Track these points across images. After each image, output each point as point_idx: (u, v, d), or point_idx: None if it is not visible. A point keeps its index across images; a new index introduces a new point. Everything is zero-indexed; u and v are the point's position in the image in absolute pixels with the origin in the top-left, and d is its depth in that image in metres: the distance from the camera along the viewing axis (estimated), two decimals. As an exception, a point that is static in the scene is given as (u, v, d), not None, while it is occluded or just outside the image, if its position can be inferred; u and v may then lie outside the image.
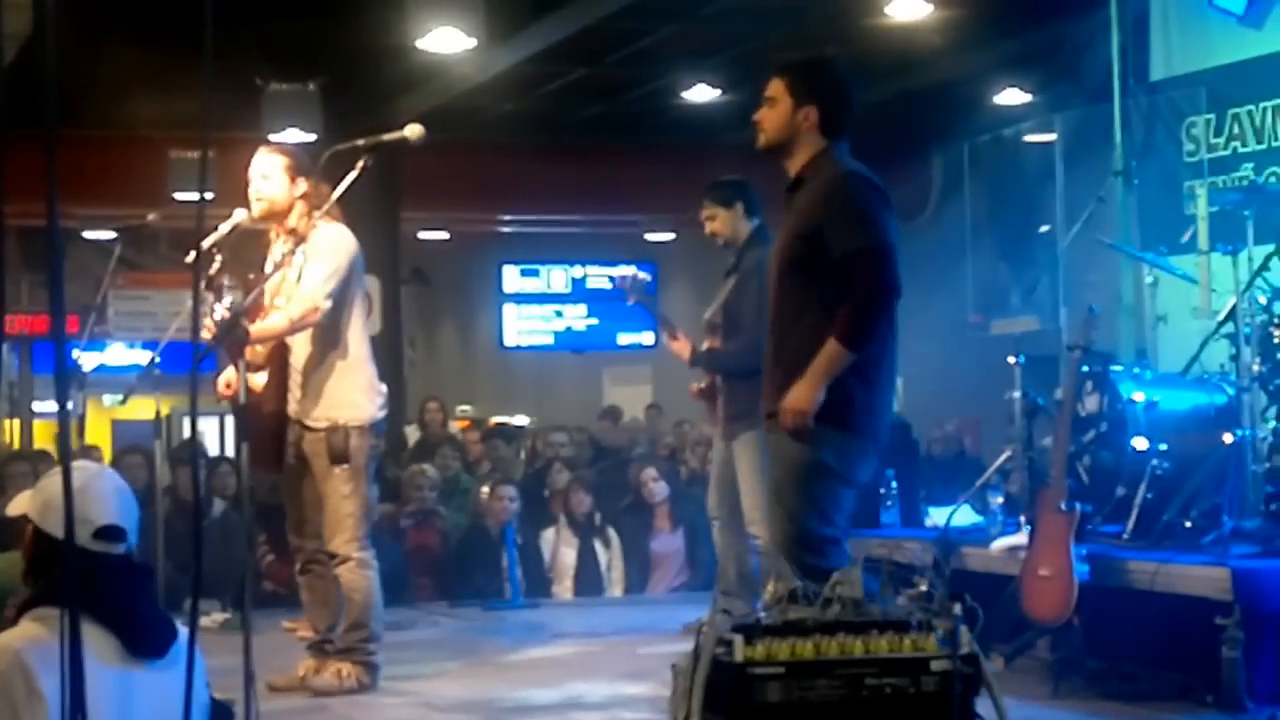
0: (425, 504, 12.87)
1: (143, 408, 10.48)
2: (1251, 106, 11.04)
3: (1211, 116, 11.33)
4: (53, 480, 4.46)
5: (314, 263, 8.01)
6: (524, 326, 22.00)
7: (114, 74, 12.95)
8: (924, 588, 5.32)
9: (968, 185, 17.70)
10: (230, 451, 14.76)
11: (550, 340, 22.05)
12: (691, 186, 9.73)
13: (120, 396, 10.66)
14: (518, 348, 22.39)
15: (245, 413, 7.27)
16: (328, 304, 7.98)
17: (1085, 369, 8.63)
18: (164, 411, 10.24)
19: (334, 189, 7.87)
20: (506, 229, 22.45)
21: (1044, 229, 14.73)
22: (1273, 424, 8.05)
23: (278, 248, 8.14)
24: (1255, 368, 8.06)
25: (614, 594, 13.06)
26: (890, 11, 13.96)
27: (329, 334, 8.11)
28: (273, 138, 13.49)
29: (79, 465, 4.62)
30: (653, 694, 7.57)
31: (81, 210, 16.35)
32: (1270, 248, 8.28)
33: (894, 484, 10.02)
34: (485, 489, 12.78)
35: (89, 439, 21.52)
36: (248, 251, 8.34)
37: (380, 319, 16.20)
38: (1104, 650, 7.92)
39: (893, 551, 9.24)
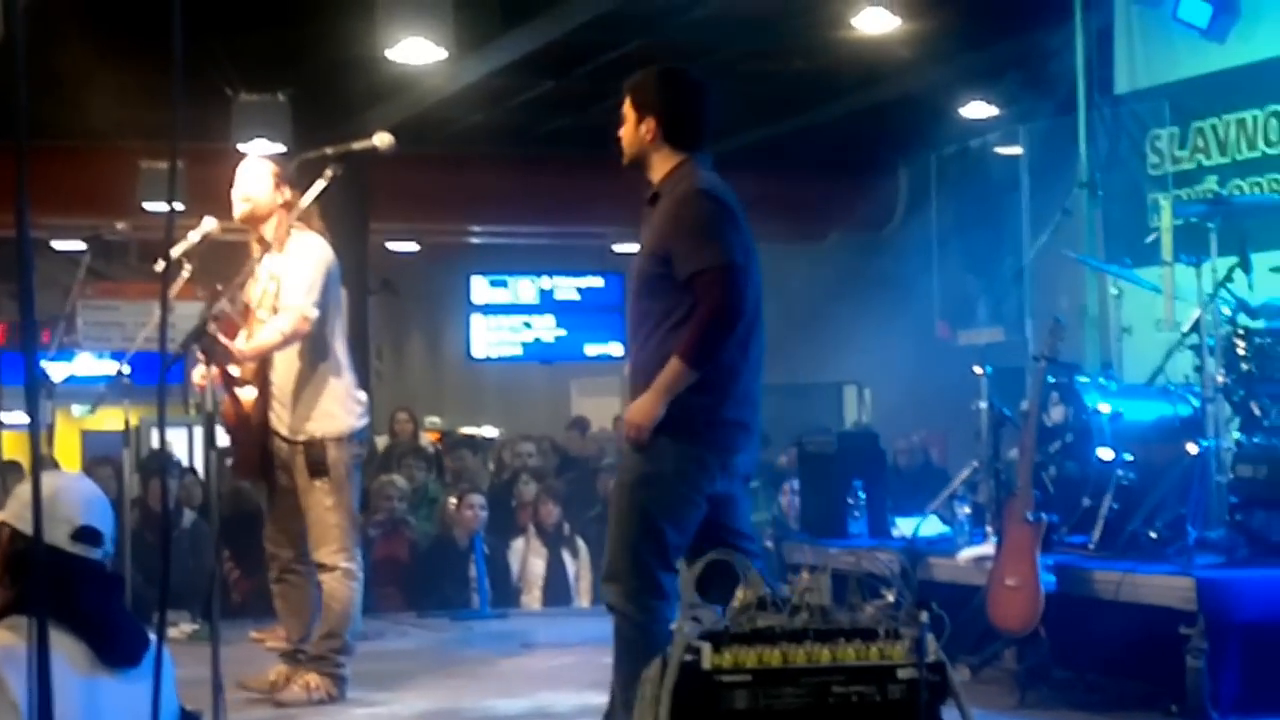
0: (394, 514, 12.86)
1: (113, 418, 10.45)
2: (1215, 120, 11.08)
3: (1176, 129, 11.37)
4: (29, 485, 4.44)
5: (294, 274, 8.00)
6: (492, 338, 21.94)
7: (83, 84, 12.88)
8: (891, 597, 5.33)
9: (934, 197, 17.74)
10: (199, 462, 14.76)
11: (519, 351, 22.00)
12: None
13: (89, 407, 10.63)
14: (486, 359, 22.35)
15: (213, 423, 7.28)
16: (316, 313, 8.00)
17: (1051, 380, 8.64)
18: (133, 422, 10.21)
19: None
20: (475, 240, 22.40)
21: (1014, 242, 14.78)
22: (1236, 435, 8.07)
23: (258, 258, 8.13)
24: (1219, 379, 8.07)
25: (582, 604, 13.09)
26: (857, 24, 13.94)
27: (305, 345, 8.11)
28: (242, 148, 13.46)
29: (55, 471, 4.63)
30: (620, 704, 7.57)
31: (50, 220, 16.28)
32: (1234, 260, 8.30)
33: (861, 494, 10.02)
34: (453, 499, 12.78)
35: (59, 449, 21.44)
36: (217, 262, 8.33)
37: (348, 329, 16.16)
38: (1070, 660, 7.94)
39: (860, 561, 9.26)
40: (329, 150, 7.77)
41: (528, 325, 21.89)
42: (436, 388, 30.23)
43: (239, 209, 8.13)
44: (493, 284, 21.85)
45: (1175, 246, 8.96)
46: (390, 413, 17.51)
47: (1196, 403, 8.33)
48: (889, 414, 18.37)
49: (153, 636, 4.40)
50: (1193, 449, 8.04)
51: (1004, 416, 9.37)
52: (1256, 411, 8.08)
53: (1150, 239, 9.40)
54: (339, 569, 8.15)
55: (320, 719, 7.94)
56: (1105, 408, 8.57)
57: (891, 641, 4.97)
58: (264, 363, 8.10)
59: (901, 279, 17.98)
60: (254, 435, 8.07)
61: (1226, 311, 8.27)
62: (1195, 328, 8.27)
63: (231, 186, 8.21)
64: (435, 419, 25.13)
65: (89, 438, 22.73)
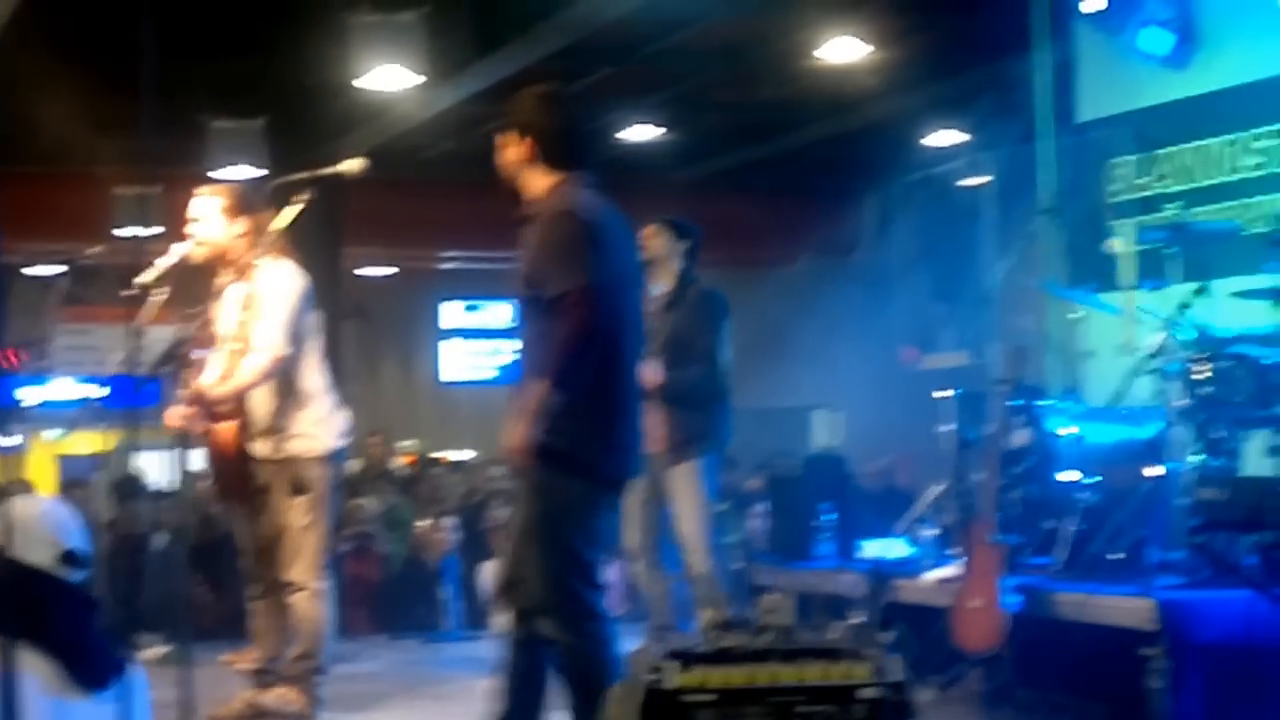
0: (363, 534, 12.84)
1: (89, 442, 10.42)
2: (1176, 147, 11.12)
3: (1136, 157, 11.40)
4: (15, 508, 4.41)
5: (266, 310, 7.95)
6: (466, 362, 21.87)
7: (58, 111, 12.85)
8: (856, 618, 5.35)
9: (900, 223, 17.79)
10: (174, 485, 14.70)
11: (493, 374, 21.94)
12: (629, 223, 9.71)
13: (62, 431, 10.61)
14: (454, 383, 22.29)
15: (209, 455, 7.26)
16: (290, 350, 7.96)
17: (1014, 404, 8.65)
18: (108, 446, 10.17)
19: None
20: (448, 265, 22.37)
21: (979, 268, 14.82)
22: (1198, 458, 8.07)
23: (233, 288, 8.09)
24: (1179, 402, 8.07)
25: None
26: (824, 53, 14.00)
27: (284, 371, 8.06)
28: (218, 174, 13.44)
29: (36, 495, 4.61)
30: (590, 725, 7.54)
31: (25, 246, 16.23)
32: (1194, 285, 8.32)
33: (829, 517, 10.01)
34: (425, 523, 12.76)
35: (34, 473, 21.31)
36: (192, 286, 8.30)
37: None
38: (1034, 680, 7.93)
39: (827, 583, 9.26)
40: (301, 175, 7.75)
41: (500, 349, 21.80)
42: (410, 411, 30.13)
43: (198, 253, 8.02)
44: (467, 308, 21.80)
45: (1136, 272, 8.99)
46: (363, 436, 17.47)
47: (1158, 426, 8.34)
48: (856, 438, 18.38)
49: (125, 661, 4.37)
50: (1154, 472, 8.05)
51: (968, 440, 9.38)
52: (1216, 435, 8.08)
53: (1108, 258, 9.44)
54: (309, 588, 8.10)
55: (290, 737, 7.91)
56: (1068, 431, 8.58)
57: (855, 661, 4.99)
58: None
59: (868, 303, 18.01)
60: (235, 461, 8.01)
61: (1187, 336, 8.28)
62: (1157, 352, 8.28)
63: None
64: (409, 443, 25.07)
65: (65, 462, 22.64)
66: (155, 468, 17.38)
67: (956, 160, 16.53)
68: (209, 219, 8.07)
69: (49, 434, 22.05)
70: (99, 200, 15.37)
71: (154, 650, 10.39)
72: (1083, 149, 11.84)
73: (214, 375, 7.97)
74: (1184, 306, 8.26)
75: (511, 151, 6.57)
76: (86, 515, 10.54)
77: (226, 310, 8.03)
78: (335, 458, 8.25)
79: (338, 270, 17.28)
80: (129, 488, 11.36)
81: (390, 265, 22.96)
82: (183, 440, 7.24)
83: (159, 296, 7.91)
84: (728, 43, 14.39)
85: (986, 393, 9.69)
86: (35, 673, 4.06)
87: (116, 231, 15.15)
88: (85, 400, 9.80)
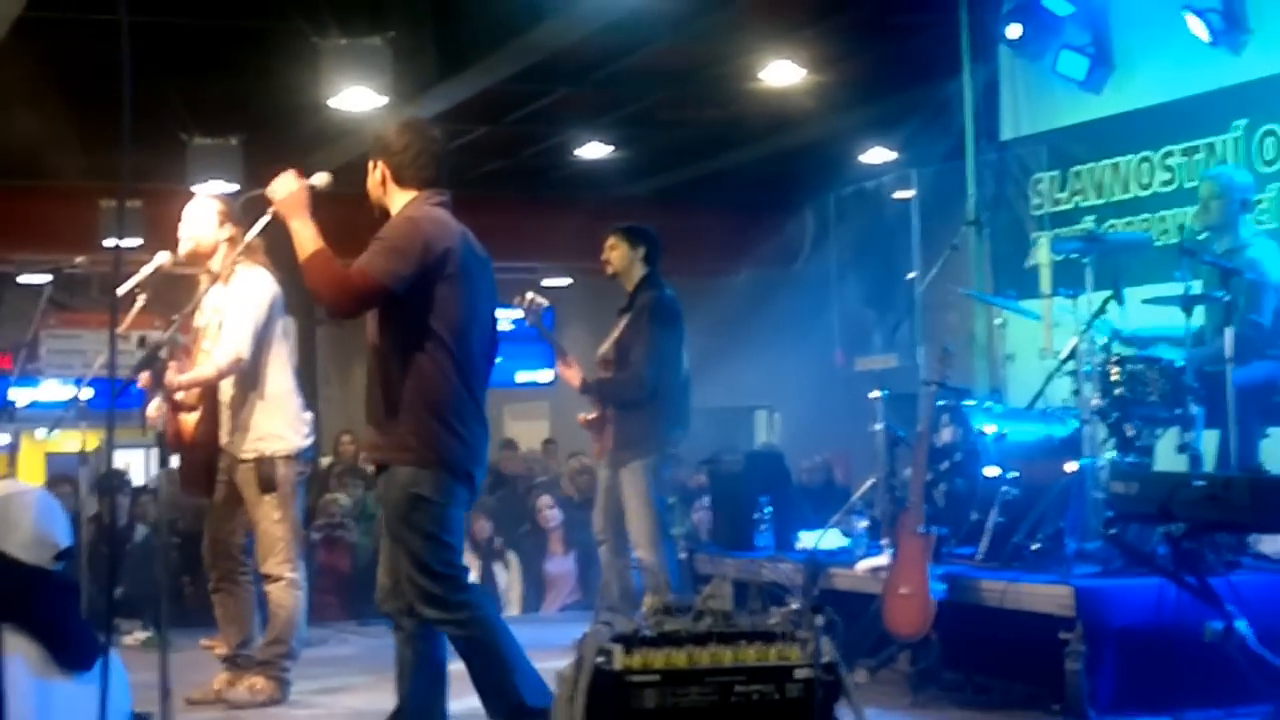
0: (334, 526, 12.75)
1: (75, 440, 10.33)
2: (1092, 164, 11.14)
3: (1055, 173, 11.43)
4: (3, 501, 4.33)
5: (235, 312, 7.94)
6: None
7: (48, 129, 12.77)
8: (793, 604, 5.32)
9: (835, 235, 17.78)
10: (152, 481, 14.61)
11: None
12: (585, 236, 9.72)
13: (48, 429, 10.51)
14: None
15: (167, 444, 7.22)
16: (249, 353, 7.93)
17: (941, 403, 8.63)
18: (92, 444, 10.09)
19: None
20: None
21: (907, 276, 14.81)
22: (1111, 454, 8.06)
23: (205, 290, 8.06)
24: (1095, 402, 8.05)
25: (512, 613, 13.02)
26: (764, 77, 13.99)
27: (253, 373, 8.03)
28: (197, 189, 13.35)
29: (25, 485, 4.56)
30: (546, 705, 7.48)
31: (17, 256, 16.14)
32: (1108, 292, 8.30)
33: (768, 510, 9.97)
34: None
35: (24, 470, 21.20)
36: (171, 293, 8.25)
37: (297, 357, 16.08)
38: (959, 663, 7.90)
39: (766, 572, 9.21)
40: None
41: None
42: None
43: (183, 247, 8.06)
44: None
45: (1054, 280, 8.97)
46: (336, 434, 17.39)
47: (1074, 424, 8.32)
48: (794, 435, 18.37)
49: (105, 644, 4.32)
50: (1071, 467, 8.02)
51: (898, 437, 9.36)
52: (1129, 432, 8.07)
53: (1029, 268, 9.45)
54: (284, 579, 8.08)
55: (262, 718, 7.84)
56: (991, 429, 8.55)
57: (790, 644, 4.97)
58: (214, 389, 8.04)
59: (806, 310, 17.99)
60: (198, 454, 7.98)
61: (1101, 340, 8.27)
62: (1073, 355, 8.26)
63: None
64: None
65: (52, 459, 22.49)
66: (136, 465, 17.37)
67: (888, 176, 16.52)
68: (200, 222, 8.10)
69: (38, 433, 21.95)
70: (86, 213, 15.26)
71: (134, 635, 10.31)
72: (1005, 165, 11.86)
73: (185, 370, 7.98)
74: (1098, 312, 8.25)
75: (371, 178, 6.61)
76: (71, 508, 10.54)
77: (203, 312, 8.01)
78: (302, 456, 8.21)
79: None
80: (111, 483, 11.28)
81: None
82: (160, 439, 7.16)
83: (139, 302, 7.88)
84: (675, 67, 14.36)
85: (915, 393, 9.68)
86: (21, 654, 4.02)
87: (106, 242, 15.06)
88: (72, 401, 9.67)
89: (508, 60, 12.48)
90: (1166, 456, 8.29)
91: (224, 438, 8.07)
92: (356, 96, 11.94)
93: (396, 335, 6.36)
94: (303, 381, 8.56)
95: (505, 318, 21.91)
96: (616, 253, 9.48)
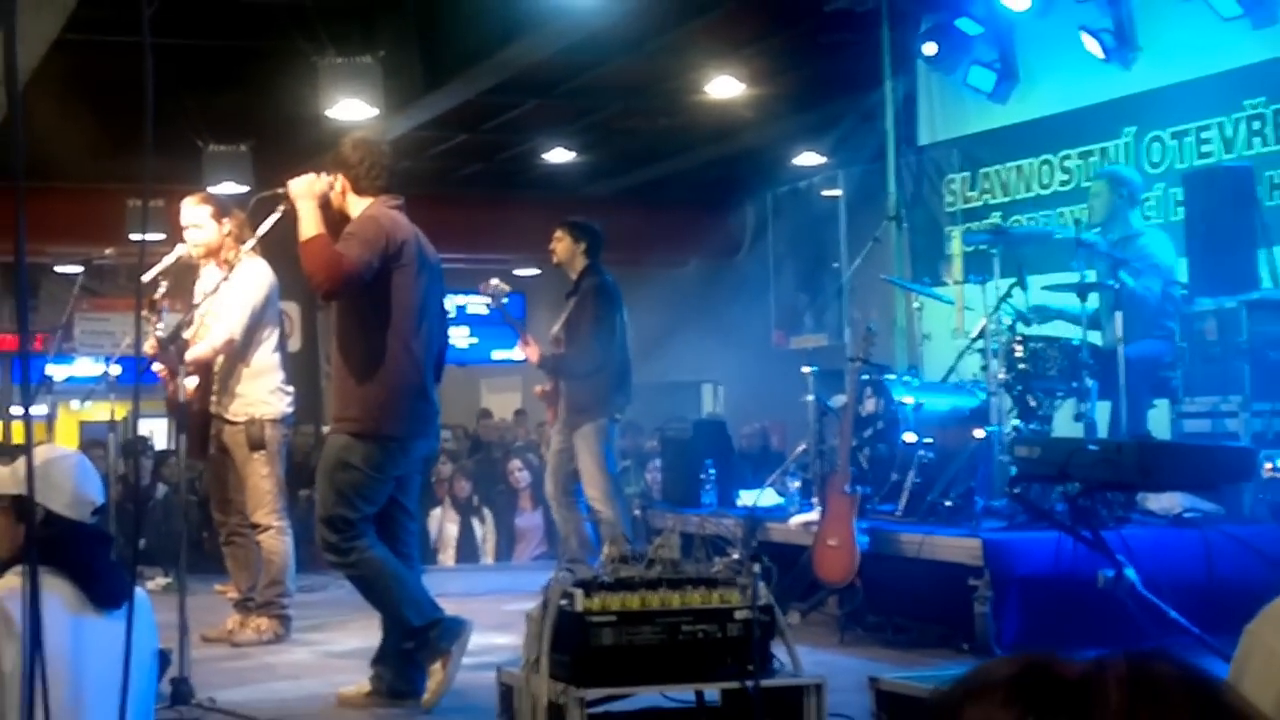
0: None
1: (105, 411, 10.26)
2: (999, 166, 11.13)
3: (967, 174, 11.41)
4: (47, 464, 4.22)
5: (230, 300, 7.95)
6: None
7: (81, 137, 12.67)
8: (733, 554, 5.33)
9: (771, 229, 17.73)
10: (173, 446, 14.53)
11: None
12: (552, 231, 9.64)
13: (82, 401, 10.41)
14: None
15: (184, 413, 7.22)
16: (240, 335, 8.01)
17: (865, 378, 8.59)
18: (120, 414, 10.06)
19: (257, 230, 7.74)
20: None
21: (835, 265, 14.76)
22: (1015, 422, 8.04)
23: (207, 273, 8.12)
24: (1001, 376, 8.05)
25: (487, 562, 12.99)
26: (709, 90, 13.94)
27: (245, 348, 8.10)
28: (212, 190, 13.26)
29: (66, 450, 4.54)
30: (516, 642, 7.34)
31: (54, 249, 15.97)
32: (1012, 279, 8.27)
33: (712, 471, 9.94)
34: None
35: (60, 436, 20.97)
36: (189, 281, 8.22)
37: (301, 339, 16.06)
38: (881, 607, 7.86)
39: (710, 526, 9.14)
40: (280, 190, 7.61)
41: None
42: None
43: (196, 252, 8.10)
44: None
45: (965, 268, 8.92)
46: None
47: (982, 396, 8.31)
48: (736, 406, 18.31)
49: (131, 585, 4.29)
50: (980, 434, 8.03)
51: (827, 408, 9.32)
52: (1031, 403, 8.05)
53: (943, 256, 9.41)
54: (272, 527, 8.17)
55: (269, 656, 7.83)
56: (909, 400, 8.54)
57: (731, 589, 5.02)
58: (209, 363, 8.06)
59: (747, 296, 17.93)
60: (197, 421, 7.96)
61: (1006, 321, 8.24)
62: (982, 334, 8.24)
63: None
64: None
65: (85, 427, 22.36)
66: (159, 432, 17.25)
67: (818, 176, 16.47)
68: (202, 225, 8.11)
69: (73, 404, 21.82)
70: (114, 211, 15.13)
71: (156, 582, 10.23)
72: (922, 167, 11.84)
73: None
74: (1004, 297, 8.22)
75: (332, 190, 6.57)
76: (102, 470, 10.42)
77: (207, 296, 7.94)
78: (286, 421, 8.29)
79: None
80: (136, 447, 11.23)
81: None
82: (179, 410, 7.15)
83: (161, 289, 7.83)
84: (631, 81, 14.28)
85: (842, 369, 9.62)
86: (58, 594, 4.01)
87: (132, 236, 14.92)
88: (102, 376, 9.62)
89: (484, 75, 12.41)
90: (1064, 424, 8.28)
91: (215, 403, 8.14)
92: (351, 108, 11.86)
93: (355, 317, 6.42)
94: (305, 364, 8.50)
95: (481, 302, 21.76)
96: (561, 245, 9.48)
